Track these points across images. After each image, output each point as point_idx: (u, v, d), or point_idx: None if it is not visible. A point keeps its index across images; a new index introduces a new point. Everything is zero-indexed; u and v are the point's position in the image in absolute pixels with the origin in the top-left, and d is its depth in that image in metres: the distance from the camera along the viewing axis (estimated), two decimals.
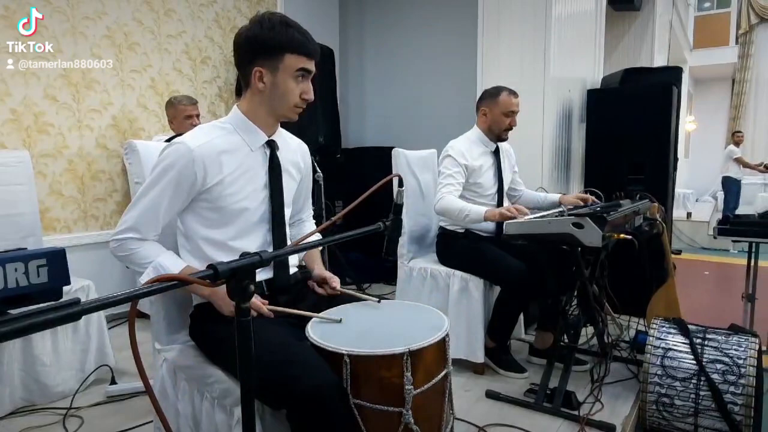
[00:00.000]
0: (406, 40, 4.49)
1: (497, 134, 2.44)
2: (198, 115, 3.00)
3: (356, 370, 1.14)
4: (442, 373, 1.24)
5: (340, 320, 1.31)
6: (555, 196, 2.60)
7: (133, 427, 1.90)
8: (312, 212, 1.74)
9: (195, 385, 1.38)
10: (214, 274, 0.76)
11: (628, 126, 3.15)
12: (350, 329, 1.28)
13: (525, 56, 3.13)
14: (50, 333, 2.08)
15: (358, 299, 1.46)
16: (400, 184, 1.26)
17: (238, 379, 1.23)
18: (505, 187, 2.55)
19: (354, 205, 1.11)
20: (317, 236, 1.30)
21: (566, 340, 2.19)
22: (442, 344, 1.24)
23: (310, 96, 1.38)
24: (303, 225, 1.69)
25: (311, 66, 1.35)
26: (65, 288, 1.41)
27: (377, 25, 4.64)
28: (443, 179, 2.36)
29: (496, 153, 2.50)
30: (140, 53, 3.29)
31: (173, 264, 1.29)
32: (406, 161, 2.57)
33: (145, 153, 1.57)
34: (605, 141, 3.24)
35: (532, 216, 2.05)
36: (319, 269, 1.55)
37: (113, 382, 2.22)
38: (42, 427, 1.93)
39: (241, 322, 0.83)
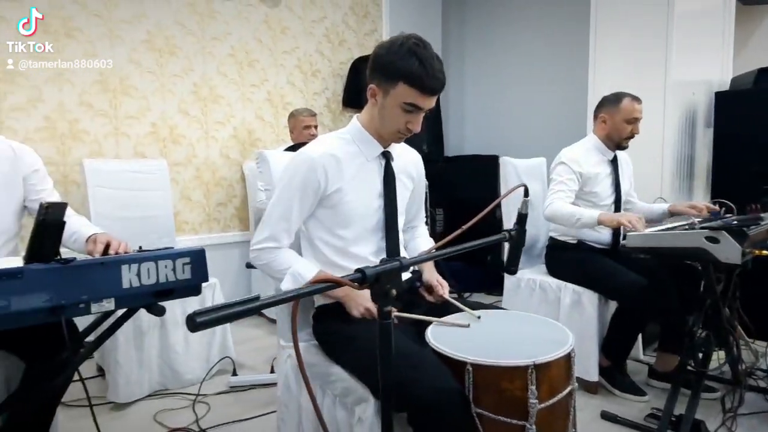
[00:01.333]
0: (509, 44, 4.38)
1: (617, 142, 2.32)
2: (316, 126, 3.18)
3: (478, 380, 1.13)
4: (567, 390, 1.20)
5: (468, 325, 1.31)
6: (663, 206, 2.42)
7: (257, 416, 2.04)
8: (425, 218, 1.77)
9: (317, 381, 1.45)
10: (362, 277, 0.80)
11: (764, 131, 2.85)
12: (473, 338, 1.28)
13: (642, 57, 2.93)
14: (183, 324, 2.30)
15: (461, 310, 1.43)
16: (526, 194, 1.24)
17: (361, 379, 1.30)
18: (623, 197, 2.41)
19: (483, 214, 1.11)
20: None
21: (693, 365, 2.01)
22: (567, 359, 1.20)
23: (416, 129, 1.37)
24: (416, 231, 1.73)
25: (424, 102, 1.31)
26: (203, 284, 1.54)
27: (480, 29, 4.59)
28: (555, 185, 2.29)
29: (614, 161, 2.38)
30: (258, 69, 3.55)
31: (308, 270, 1.37)
32: (515, 170, 2.52)
33: (273, 162, 1.69)
34: (736, 147, 2.96)
35: (655, 228, 1.91)
36: (428, 274, 1.54)
37: (234, 373, 2.40)
38: (175, 410, 2.14)
39: (382, 325, 0.86)
